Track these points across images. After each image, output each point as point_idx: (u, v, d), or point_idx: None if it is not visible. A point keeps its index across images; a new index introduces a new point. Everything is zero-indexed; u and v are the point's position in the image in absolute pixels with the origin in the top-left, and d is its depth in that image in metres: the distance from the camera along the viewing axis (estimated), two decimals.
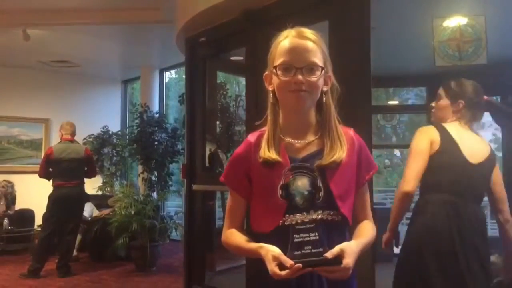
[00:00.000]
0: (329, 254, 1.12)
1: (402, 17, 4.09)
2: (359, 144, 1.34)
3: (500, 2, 3.78)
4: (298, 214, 1.18)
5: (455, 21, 3.51)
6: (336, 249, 1.13)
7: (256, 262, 1.23)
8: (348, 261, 1.13)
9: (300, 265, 1.10)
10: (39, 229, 5.77)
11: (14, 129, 7.23)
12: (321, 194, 1.19)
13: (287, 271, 1.10)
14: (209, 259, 4.37)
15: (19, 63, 6.91)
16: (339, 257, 1.13)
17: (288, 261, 1.11)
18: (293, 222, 1.17)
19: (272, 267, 1.13)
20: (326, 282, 1.22)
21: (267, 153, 1.26)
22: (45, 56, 6.60)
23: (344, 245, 1.15)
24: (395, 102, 9.99)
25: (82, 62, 6.97)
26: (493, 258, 2.17)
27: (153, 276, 5.24)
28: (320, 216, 1.21)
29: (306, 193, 1.18)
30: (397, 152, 16.23)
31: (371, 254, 2.51)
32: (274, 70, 1.28)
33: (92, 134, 7.05)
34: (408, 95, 11.38)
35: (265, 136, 1.31)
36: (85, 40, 6.00)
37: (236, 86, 7.20)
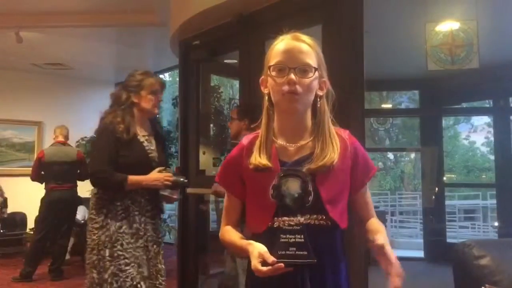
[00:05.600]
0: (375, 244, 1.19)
1: (395, 21, 4.13)
2: (354, 147, 1.34)
3: (491, 7, 3.83)
4: (286, 217, 1.21)
5: (447, 26, 3.56)
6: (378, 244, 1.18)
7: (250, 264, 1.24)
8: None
9: (281, 264, 1.12)
10: (31, 232, 5.73)
11: (7, 131, 7.16)
12: (311, 198, 1.22)
13: (268, 267, 1.13)
14: (202, 263, 4.35)
15: (12, 65, 6.86)
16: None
17: (270, 258, 1.14)
18: (281, 224, 1.20)
19: (255, 263, 1.16)
20: (317, 284, 1.23)
21: (258, 159, 1.28)
22: (38, 58, 6.56)
23: (382, 240, 1.19)
24: (388, 106, 10.04)
25: (75, 64, 6.94)
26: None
27: None
28: (308, 221, 1.22)
29: (296, 195, 1.21)
30: (390, 155, 16.30)
31: (364, 257, 2.52)
32: (268, 71, 1.29)
33: (85, 137, 7.01)
34: (401, 98, 11.45)
35: (258, 141, 1.32)
36: (78, 43, 5.97)
37: (230, 89, 7.20)
